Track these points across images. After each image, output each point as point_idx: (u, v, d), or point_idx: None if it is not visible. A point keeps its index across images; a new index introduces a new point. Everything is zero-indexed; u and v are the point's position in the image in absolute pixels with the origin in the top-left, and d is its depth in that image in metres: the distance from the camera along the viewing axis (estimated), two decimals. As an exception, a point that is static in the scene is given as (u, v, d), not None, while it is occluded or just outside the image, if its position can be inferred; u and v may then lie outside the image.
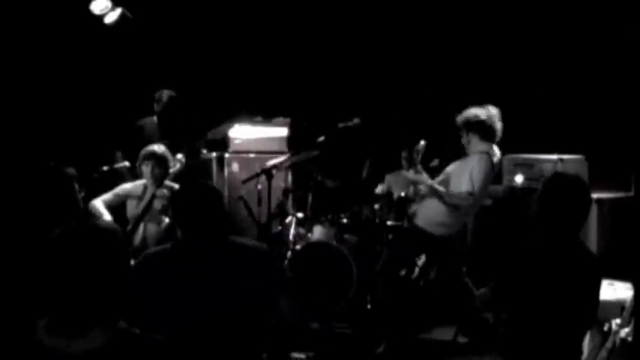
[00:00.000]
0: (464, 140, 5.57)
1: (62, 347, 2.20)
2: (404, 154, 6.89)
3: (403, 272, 5.84)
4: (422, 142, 5.63)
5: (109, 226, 2.37)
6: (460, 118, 5.55)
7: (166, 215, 5.62)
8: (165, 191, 5.60)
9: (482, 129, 5.47)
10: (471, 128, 5.49)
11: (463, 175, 5.43)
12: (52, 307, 2.22)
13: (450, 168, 5.66)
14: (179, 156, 5.80)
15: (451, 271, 5.62)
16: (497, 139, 5.55)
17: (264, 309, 3.23)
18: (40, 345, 2.20)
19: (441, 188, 5.51)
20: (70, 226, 2.26)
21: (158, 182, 5.64)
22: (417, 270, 5.77)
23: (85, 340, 2.21)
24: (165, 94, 6.99)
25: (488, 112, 5.49)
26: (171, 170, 5.72)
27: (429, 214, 5.57)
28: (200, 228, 3.24)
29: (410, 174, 5.65)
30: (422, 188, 5.67)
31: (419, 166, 5.60)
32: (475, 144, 5.50)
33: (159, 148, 5.75)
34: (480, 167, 5.41)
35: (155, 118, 7.11)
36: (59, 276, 2.21)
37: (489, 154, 5.47)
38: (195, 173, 6.28)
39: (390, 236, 6.38)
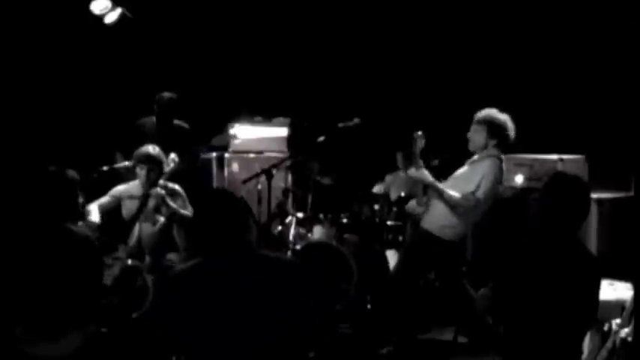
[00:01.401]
0: (476, 137, 5.40)
1: (42, 354, 2.19)
2: (399, 155, 6.90)
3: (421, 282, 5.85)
4: (419, 133, 5.43)
5: (82, 232, 2.37)
6: (485, 117, 5.38)
7: (161, 214, 5.62)
8: (159, 190, 5.57)
9: (504, 138, 5.38)
10: (495, 133, 5.35)
11: (473, 178, 5.34)
12: (27, 311, 2.22)
13: (460, 172, 5.51)
14: (172, 155, 5.75)
15: (452, 273, 5.61)
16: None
17: (308, 321, 3.06)
18: (21, 353, 2.20)
19: (442, 187, 5.38)
20: (44, 230, 2.26)
21: (152, 183, 5.62)
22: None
23: (59, 345, 2.20)
24: (165, 96, 6.99)
25: (511, 124, 5.38)
26: (165, 170, 5.67)
27: (436, 216, 5.50)
28: (230, 242, 2.99)
29: (411, 172, 5.51)
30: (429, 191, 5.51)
31: (420, 162, 5.44)
32: (490, 148, 5.39)
33: (153, 149, 5.65)
34: (490, 171, 5.32)
35: (155, 118, 7.10)
36: (33, 280, 2.21)
37: (501, 160, 5.42)
38: (194, 176, 6.26)
39: (398, 237, 6.37)
